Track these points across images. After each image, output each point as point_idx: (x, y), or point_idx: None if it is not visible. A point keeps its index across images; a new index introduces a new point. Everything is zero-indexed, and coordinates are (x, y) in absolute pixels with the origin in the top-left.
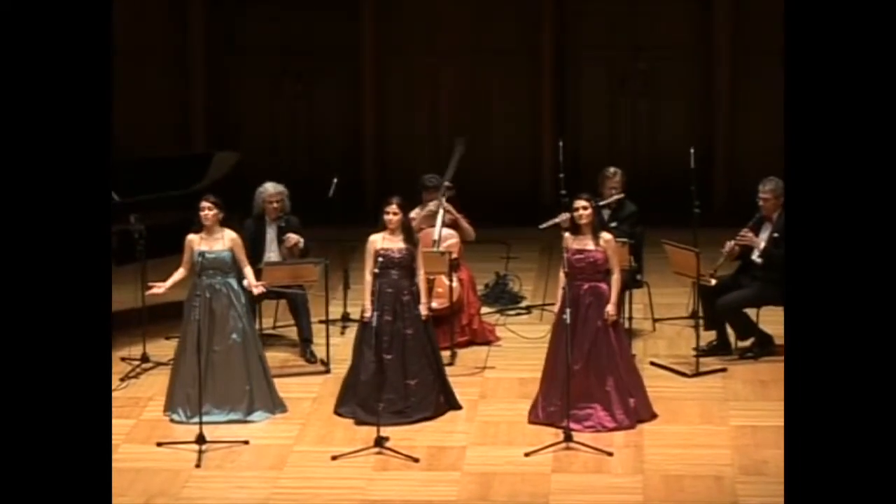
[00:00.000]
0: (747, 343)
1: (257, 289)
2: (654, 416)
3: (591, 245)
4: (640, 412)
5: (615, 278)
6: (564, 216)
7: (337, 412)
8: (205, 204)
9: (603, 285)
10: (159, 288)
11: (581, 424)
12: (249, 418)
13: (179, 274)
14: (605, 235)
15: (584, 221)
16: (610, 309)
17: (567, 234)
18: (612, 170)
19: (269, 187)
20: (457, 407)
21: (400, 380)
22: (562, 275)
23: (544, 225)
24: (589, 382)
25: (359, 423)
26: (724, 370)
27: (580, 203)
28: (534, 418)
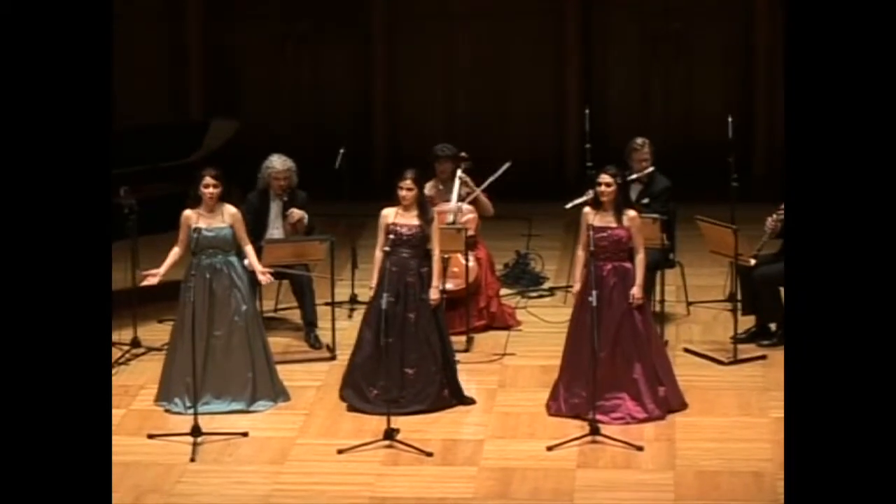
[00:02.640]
0: (772, 327)
1: (265, 276)
2: (684, 405)
3: (614, 222)
4: (670, 401)
5: (640, 258)
6: (592, 194)
7: (340, 395)
8: (208, 180)
9: (628, 264)
10: (154, 277)
11: (609, 416)
12: (252, 408)
13: (175, 254)
14: (630, 212)
15: (605, 199)
16: (636, 291)
17: (587, 210)
18: (639, 141)
19: (277, 163)
20: (467, 403)
21: (397, 367)
22: (580, 253)
23: (570, 205)
24: (615, 370)
25: (350, 409)
26: (763, 358)
27: (605, 178)
28: (556, 410)
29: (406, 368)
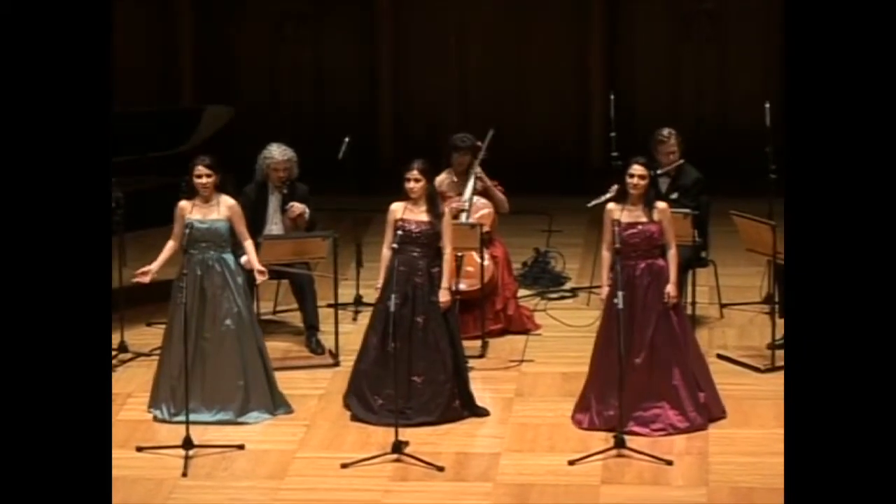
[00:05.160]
0: None
1: (261, 276)
2: (724, 412)
3: (644, 217)
4: (711, 408)
5: (672, 254)
6: (616, 190)
7: (344, 404)
8: (200, 169)
9: (661, 262)
10: (146, 276)
11: (649, 428)
12: (242, 419)
13: (169, 248)
14: (660, 205)
15: (635, 192)
16: (670, 289)
17: (611, 206)
18: (666, 131)
19: (276, 153)
20: (480, 414)
21: (403, 374)
22: (605, 254)
23: (593, 203)
24: (653, 377)
25: (353, 418)
26: None
27: (639, 169)
28: (589, 425)
29: (413, 377)
